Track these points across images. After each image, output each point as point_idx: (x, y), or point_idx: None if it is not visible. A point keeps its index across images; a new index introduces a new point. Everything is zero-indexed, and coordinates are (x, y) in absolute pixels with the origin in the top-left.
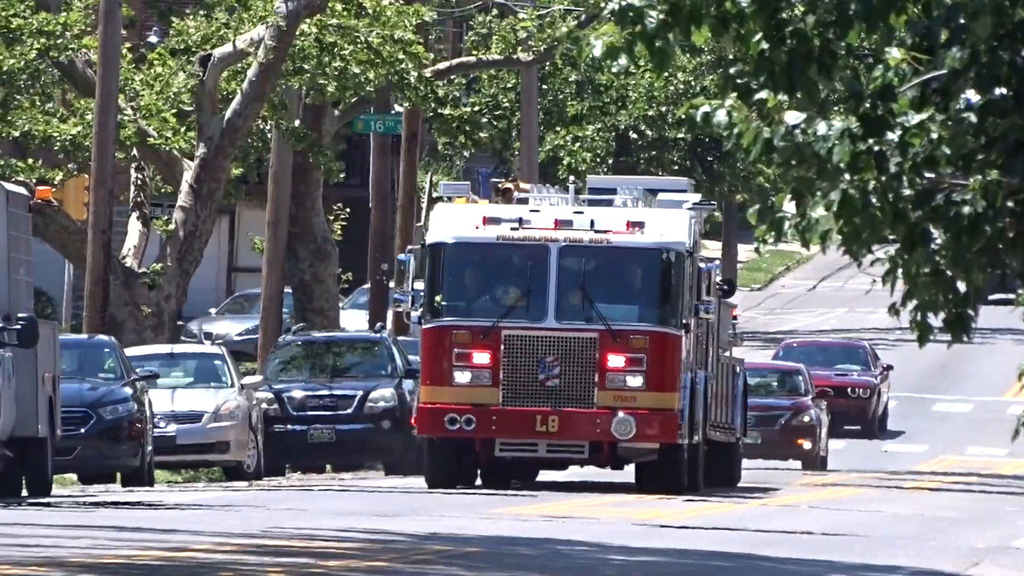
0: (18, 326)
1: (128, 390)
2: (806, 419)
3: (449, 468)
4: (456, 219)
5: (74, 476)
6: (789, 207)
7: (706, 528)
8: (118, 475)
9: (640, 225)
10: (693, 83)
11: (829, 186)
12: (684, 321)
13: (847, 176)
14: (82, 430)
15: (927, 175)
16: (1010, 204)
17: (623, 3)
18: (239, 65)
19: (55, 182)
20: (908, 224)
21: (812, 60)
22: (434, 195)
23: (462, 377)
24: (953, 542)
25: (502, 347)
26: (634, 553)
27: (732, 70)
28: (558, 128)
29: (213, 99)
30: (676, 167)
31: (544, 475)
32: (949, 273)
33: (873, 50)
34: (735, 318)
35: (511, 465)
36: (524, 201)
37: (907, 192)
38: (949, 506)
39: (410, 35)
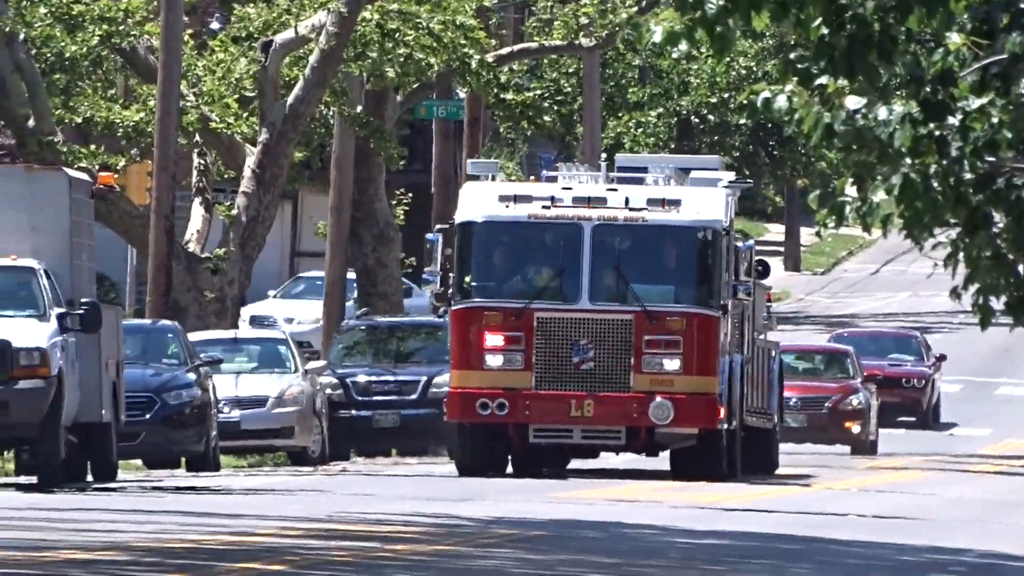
0: (81, 311)
1: (192, 375)
2: (855, 402)
3: (481, 455)
4: (486, 197)
5: (139, 461)
6: (850, 191)
7: (770, 511)
8: (183, 460)
9: (676, 203)
10: (755, 68)
11: (890, 170)
12: (722, 302)
13: (908, 160)
14: (146, 415)
15: (988, 159)
16: None
17: None
18: (301, 51)
19: (118, 168)
20: (969, 208)
21: (872, 45)
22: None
23: (493, 360)
24: (1018, 524)
25: (535, 329)
26: (699, 536)
27: (792, 55)
28: (620, 114)
29: (275, 85)
30: (738, 152)
31: (575, 463)
32: (1011, 256)
33: (933, 35)
34: (770, 300)
35: (543, 452)
36: (553, 180)
37: (968, 176)
38: (1013, 489)
39: (471, 21)
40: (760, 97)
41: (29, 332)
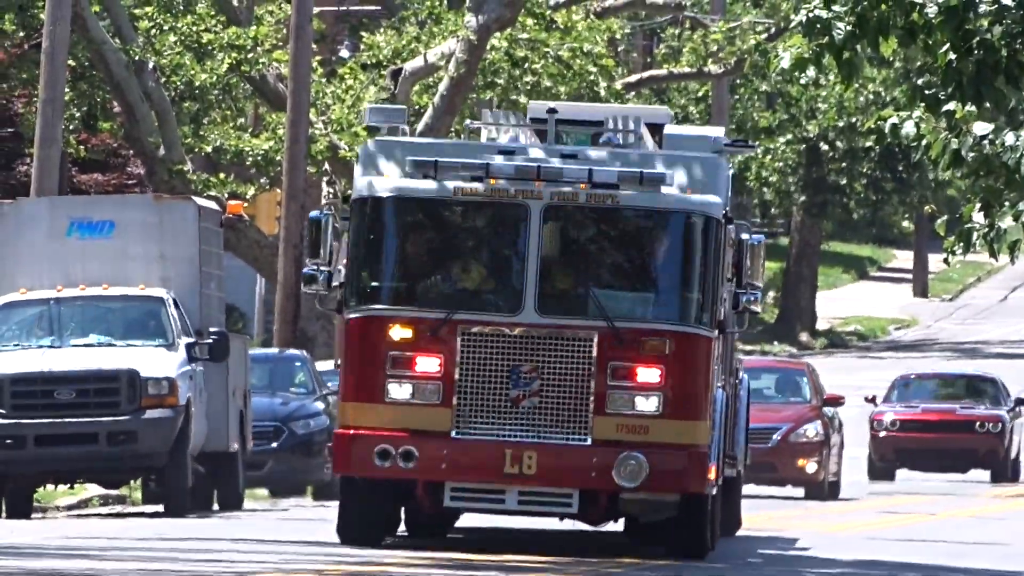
0: (209, 341)
1: (320, 404)
2: (810, 433)
3: (374, 521)
4: (393, 163)
5: (265, 490)
6: (977, 218)
7: (897, 540)
8: (309, 489)
9: (659, 177)
10: (883, 94)
11: (1017, 196)
12: (720, 318)
13: None
14: (273, 444)
15: None
16: None
17: (811, 15)
18: (430, 79)
19: (247, 197)
20: None
21: (999, 71)
22: None
23: (400, 391)
24: None
25: (459, 349)
26: (823, 564)
27: (920, 81)
28: (748, 139)
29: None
30: (866, 177)
31: (465, 519)
32: None
33: None
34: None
35: (438, 512)
36: (476, 132)
37: None
38: None
39: (600, 49)
40: (888, 123)
41: (158, 361)
